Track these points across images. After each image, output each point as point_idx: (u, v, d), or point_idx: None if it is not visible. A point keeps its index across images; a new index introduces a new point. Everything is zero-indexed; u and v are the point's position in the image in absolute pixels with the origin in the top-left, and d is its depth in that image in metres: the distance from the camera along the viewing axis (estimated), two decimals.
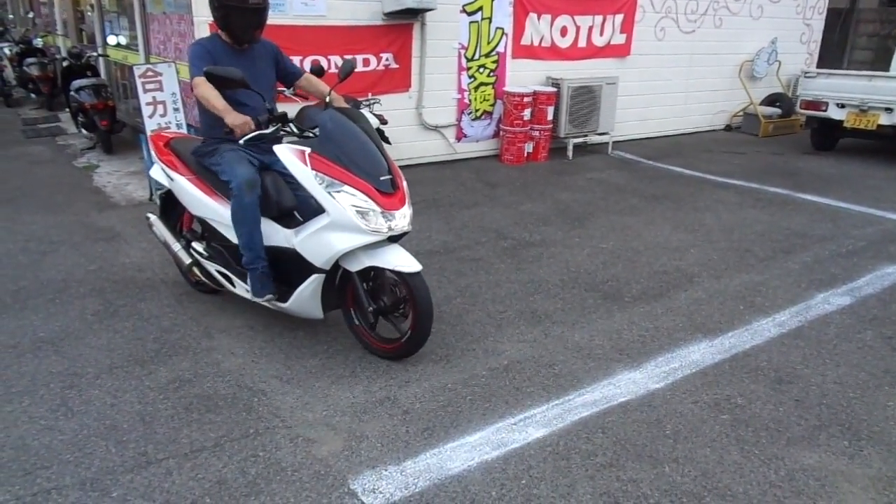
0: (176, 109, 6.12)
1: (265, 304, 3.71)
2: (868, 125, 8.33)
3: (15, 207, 6.08)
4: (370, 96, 6.90)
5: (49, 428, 2.98)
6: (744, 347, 3.82)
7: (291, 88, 4.05)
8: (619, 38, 9.02)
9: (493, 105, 8.21)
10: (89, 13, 10.12)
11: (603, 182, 7.47)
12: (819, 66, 11.57)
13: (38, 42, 11.81)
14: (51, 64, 10.83)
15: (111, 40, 8.22)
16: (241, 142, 3.40)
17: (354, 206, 3.20)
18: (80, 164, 7.78)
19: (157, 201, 4.31)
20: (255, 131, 3.36)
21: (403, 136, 7.48)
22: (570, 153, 8.60)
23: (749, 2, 10.33)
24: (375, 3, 6.97)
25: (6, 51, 12.28)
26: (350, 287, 3.56)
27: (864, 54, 13.31)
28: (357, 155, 3.30)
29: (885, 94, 8.16)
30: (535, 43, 8.29)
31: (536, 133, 8.20)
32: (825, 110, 8.79)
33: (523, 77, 8.25)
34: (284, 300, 3.59)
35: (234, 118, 3.35)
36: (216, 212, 3.75)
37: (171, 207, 4.22)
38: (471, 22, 7.68)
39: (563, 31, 8.48)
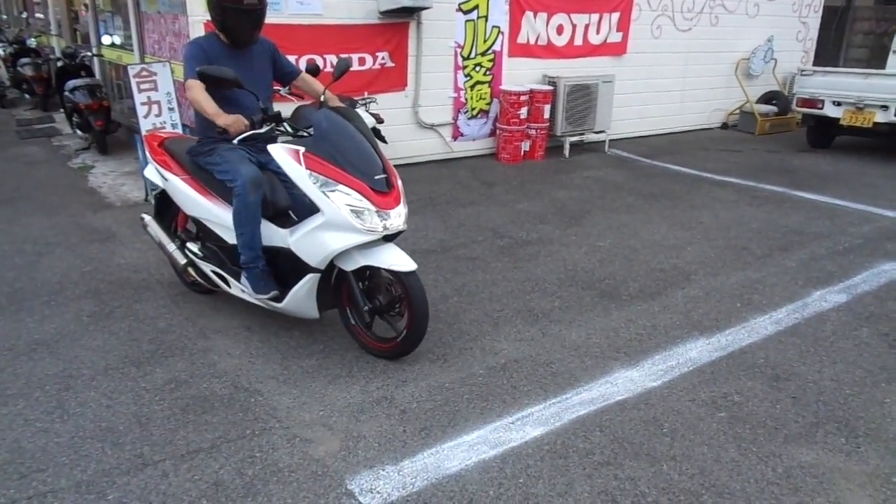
0: (171, 109, 6.10)
1: (261, 304, 3.70)
2: (864, 123, 8.34)
3: (10, 209, 6.06)
4: (366, 95, 6.90)
5: (44, 430, 2.97)
6: (741, 345, 3.83)
7: (287, 88, 4.04)
8: (616, 37, 9.02)
9: (489, 104, 8.20)
10: (83, 13, 10.09)
11: (600, 180, 7.47)
12: (815, 63, 11.58)
13: (32, 42, 11.77)
14: (45, 64, 10.79)
15: (105, 40, 8.20)
16: (235, 141, 3.39)
17: (349, 205, 3.19)
18: (75, 165, 7.75)
19: (153, 202, 4.29)
20: (248, 130, 3.35)
21: (400, 135, 7.47)
22: (566, 151, 8.60)
23: (745, 0, 10.33)
24: (371, 2, 6.96)
25: (0, 51, 12.24)
26: (345, 286, 3.56)
27: (860, 52, 13.32)
28: (352, 154, 3.29)
29: (881, 91, 8.17)
30: (532, 41, 8.28)
31: (533, 131, 8.19)
32: (821, 108, 8.79)
33: (520, 75, 8.24)
34: (280, 300, 3.58)
35: (225, 119, 3.34)
36: (211, 212, 3.74)
37: (165, 208, 4.21)
38: (467, 20, 7.67)
39: (560, 30, 8.47)
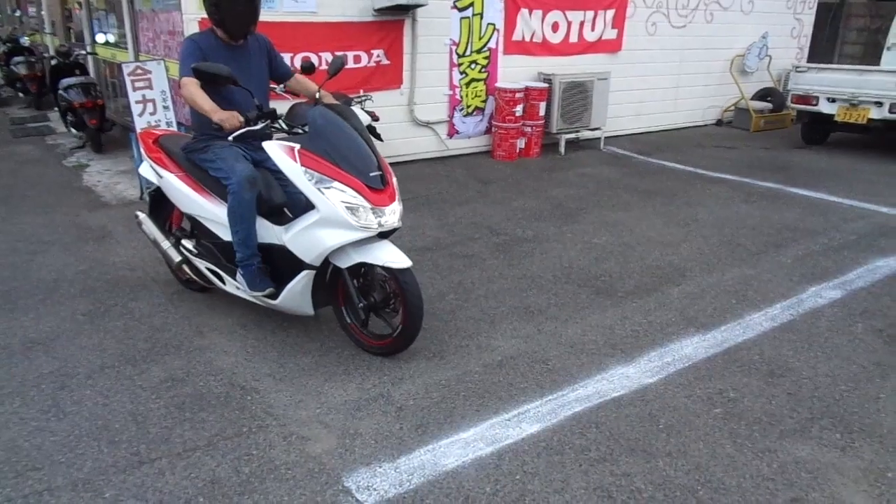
0: (165, 107, 6.09)
1: (256, 301, 3.70)
2: (858, 119, 8.36)
3: (4, 207, 6.04)
4: (362, 93, 6.90)
5: (40, 429, 2.96)
6: (736, 341, 3.84)
7: (282, 85, 4.04)
8: (611, 34, 9.02)
9: (484, 101, 8.20)
10: (77, 10, 10.05)
11: (595, 177, 7.48)
12: (810, 60, 11.61)
13: (26, 41, 11.72)
14: (39, 62, 10.76)
15: (100, 38, 8.17)
16: (230, 138, 3.38)
17: (344, 202, 3.19)
18: (70, 164, 7.73)
19: (147, 199, 4.29)
20: (243, 127, 3.35)
21: (395, 133, 7.46)
22: (562, 149, 8.60)
23: None
24: (366, 0, 6.95)
25: None
26: (340, 283, 3.56)
27: (855, 49, 13.35)
28: (347, 151, 3.29)
29: (876, 87, 8.19)
30: (527, 38, 8.28)
31: (528, 129, 8.19)
32: (816, 104, 8.82)
33: (515, 73, 8.24)
34: (275, 297, 3.58)
35: (220, 115, 3.34)
36: (205, 209, 3.73)
37: (160, 205, 4.20)
38: (462, 18, 7.66)
39: (555, 27, 8.47)
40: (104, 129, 8.12)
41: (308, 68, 3.84)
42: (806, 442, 2.96)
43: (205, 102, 3.42)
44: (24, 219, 5.73)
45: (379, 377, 3.41)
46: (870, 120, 8.27)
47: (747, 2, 10.47)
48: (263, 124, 3.41)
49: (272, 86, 4.01)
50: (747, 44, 10.59)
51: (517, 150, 8.23)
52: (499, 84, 8.05)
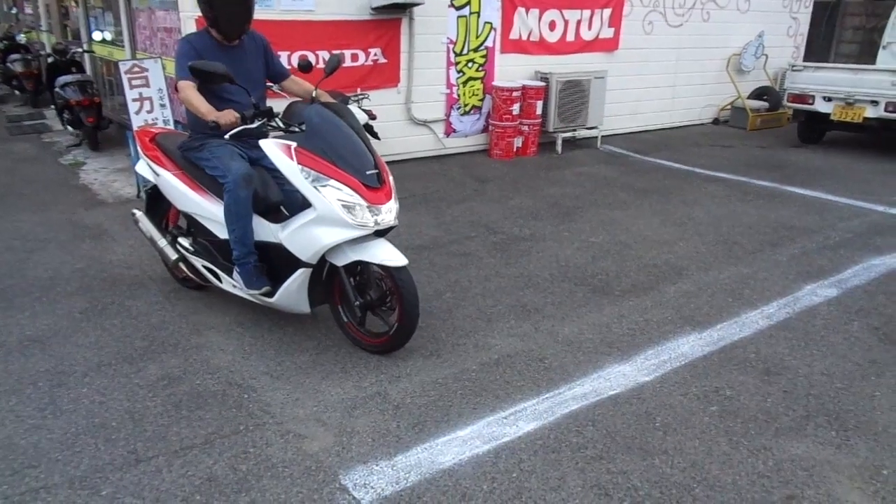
0: (162, 105, 6.08)
1: (252, 299, 3.70)
2: (854, 118, 8.38)
3: (0, 205, 6.02)
4: (359, 91, 6.88)
5: (37, 427, 2.96)
6: (732, 339, 3.85)
7: (278, 86, 4.04)
8: (608, 32, 9.03)
9: (481, 100, 8.20)
10: (74, 8, 10.03)
11: (592, 176, 7.48)
12: (806, 59, 11.63)
13: (22, 38, 11.69)
14: (35, 60, 10.73)
15: (96, 36, 8.13)
16: (227, 136, 3.38)
17: (340, 200, 3.19)
18: (67, 162, 7.71)
19: (144, 197, 4.29)
20: (240, 125, 3.35)
21: (392, 132, 7.46)
22: (559, 148, 8.61)
23: None
24: None
25: None
26: (337, 282, 3.56)
27: (851, 47, 13.38)
28: (343, 149, 3.29)
29: (871, 86, 8.21)
30: (524, 37, 8.28)
31: (525, 128, 8.20)
32: (812, 103, 8.83)
33: (512, 71, 8.24)
34: (272, 295, 3.58)
35: (216, 114, 3.35)
36: (202, 207, 3.73)
37: (157, 203, 4.20)
38: (459, 16, 7.66)
39: (552, 26, 8.47)
40: (101, 126, 8.10)
41: (305, 67, 3.84)
42: (801, 440, 2.97)
43: (201, 104, 3.43)
44: (20, 216, 5.72)
45: (376, 375, 3.41)
46: (865, 119, 8.29)
47: (744, 0, 10.48)
48: (260, 122, 3.41)
49: (269, 84, 4.01)
50: (744, 42, 10.61)
51: (514, 149, 8.23)
52: (496, 83, 8.06)
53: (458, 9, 7.62)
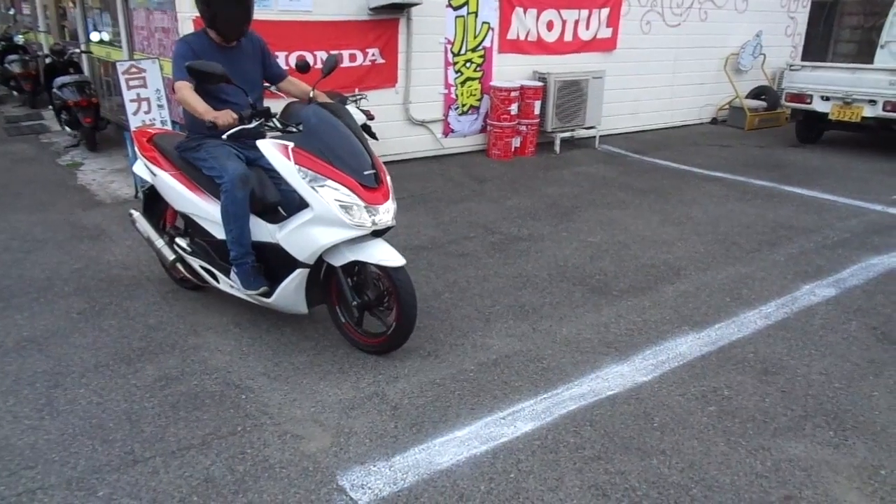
0: (160, 106, 6.08)
1: (250, 299, 3.70)
2: (852, 117, 8.39)
3: None
4: (357, 92, 6.89)
5: (34, 427, 2.95)
6: (730, 339, 3.85)
7: (275, 87, 4.04)
8: (606, 32, 9.03)
9: (479, 100, 8.20)
10: (71, 9, 10.01)
11: (590, 176, 7.48)
12: (804, 58, 11.64)
13: (20, 39, 11.68)
14: (33, 61, 10.72)
15: (94, 37, 8.13)
16: (224, 136, 3.38)
17: (338, 200, 3.19)
18: (64, 162, 7.71)
19: (142, 197, 4.28)
20: (237, 125, 3.34)
21: (390, 132, 7.46)
22: (557, 148, 8.61)
23: None
24: None
25: None
26: (334, 282, 3.56)
27: (848, 47, 13.38)
28: (340, 150, 3.29)
29: (869, 86, 8.21)
30: (522, 37, 8.28)
31: (523, 128, 8.20)
32: (810, 103, 8.84)
33: (510, 71, 8.24)
34: (269, 296, 3.58)
35: (213, 113, 3.35)
36: (199, 207, 3.73)
37: (154, 203, 4.19)
38: (457, 17, 7.66)
39: (550, 26, 8.47)
40: (98, 127, 8.09)
41: (303, 67, 3.83)
42: (799, 440, 2.97)
43: (198, 105, 3.43)
44: (18, 217, 5.71)
45: (373, 376, 3.41)
46: (863, 118, 8.29)
47: (741, 0, 10.49)
48: (257, 122, 3.41)
49: (266, 84, 4.01)
50: (741, 42, 10.62)
51: (512, 149, 8.23)
52: (494, 83, 8.06)
53: (455, 9, 7.62)
